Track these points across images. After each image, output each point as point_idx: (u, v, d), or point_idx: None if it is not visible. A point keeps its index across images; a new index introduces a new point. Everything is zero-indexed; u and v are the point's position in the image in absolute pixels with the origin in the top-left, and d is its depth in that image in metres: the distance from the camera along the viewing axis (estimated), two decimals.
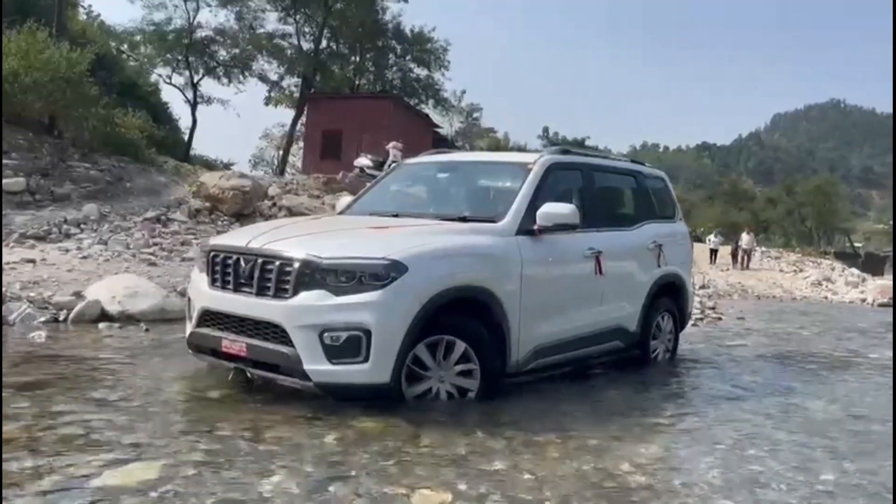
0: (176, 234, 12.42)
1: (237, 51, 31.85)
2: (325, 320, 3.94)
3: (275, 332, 4.06)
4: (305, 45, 33.57)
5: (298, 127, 33.73)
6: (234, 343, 4.21)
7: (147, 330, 6.84)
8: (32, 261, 9.05)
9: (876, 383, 6.44)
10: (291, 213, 14.29)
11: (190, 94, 31.50)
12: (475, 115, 54.64)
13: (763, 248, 35.62)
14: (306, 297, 3.98)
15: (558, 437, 3.84)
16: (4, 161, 12.56)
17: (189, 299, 4.82)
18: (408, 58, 36.00)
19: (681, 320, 6.84)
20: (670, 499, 3.11)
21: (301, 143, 34.10)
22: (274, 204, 14.84)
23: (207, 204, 14.03)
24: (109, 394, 4.26)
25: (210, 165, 28.91)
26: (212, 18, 35.81)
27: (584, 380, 5.57)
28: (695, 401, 5.37)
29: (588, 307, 5.47)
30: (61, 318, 7.06)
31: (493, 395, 4.45)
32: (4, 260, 8.83)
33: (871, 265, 42.78)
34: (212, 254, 4.52)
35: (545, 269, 4.94)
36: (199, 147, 35.86)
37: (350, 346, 3.92)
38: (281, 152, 41.58)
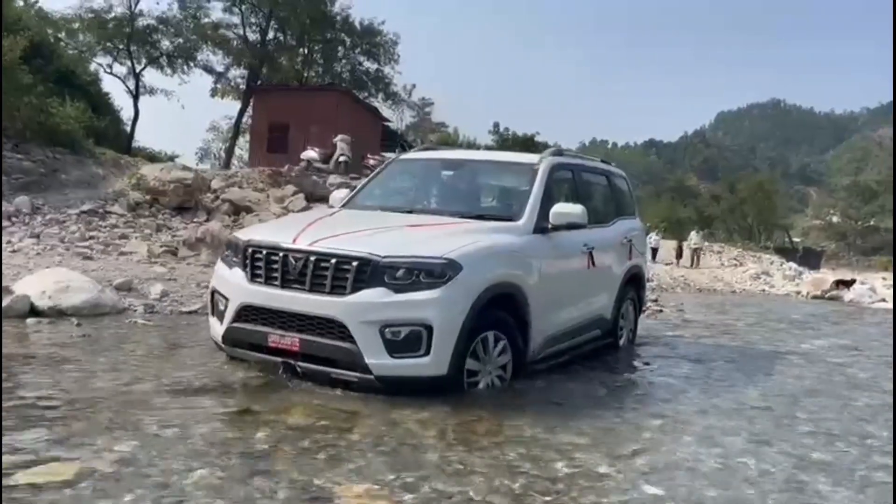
0: (114, 227, 12.09)
1: (181, 41, 30.99)
2: (386, 316, 4.09)
3: (332, 327, 4.16)
4: (252, 36, 32.94)
5: (245, 119, 33.12)
6: (284, 338, 4.28)
7: (79, 325, 6.63)
8: None
9: (799, 373, 6.69)
10: (235, 206, 14.05)
11: (132, 85, 30.62)
12: (426, 109, 54.55)
13: (706, 243, 36.32)
14: (366, 295, 4.12)
15: (491, 429, 3.87)
16: None
17: (218, 295, 4.78)
18: (357, 51, 35.61)
19: (640, 307, 7.50)
20: (594, 482, 3.17)
21: (248, 136, 33.53)
22: (217, 197, 14.55)
23: (148, 197, 13.68)
24: (30, 392, 4.11)
25: (153, 158, 28.13)
26: (154, 7, 34.66)
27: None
28: (629, 389, 5.49)
29: (582, 298, 5.89)
30: None
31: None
32: None
33: (809, 260, 44.34)
34: (250, 250, 4.54)
35: (556, 265, 5.29)
36: (143, 139, 34.79)
37: (411, 340, 4.10)
38: (226, 145, 40.85)
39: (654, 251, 27.96)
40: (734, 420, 4.53)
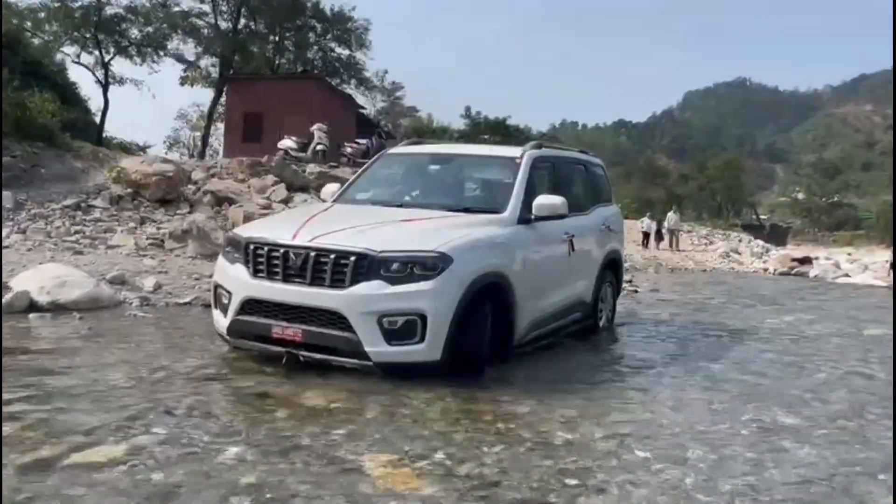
0: (99, 221, 12.17)
1: (150, 30, 30.64)
2: (383, 307, 4.39)
3: (332, 318, 4.45)
4: (223, 24, 32.68)
5: (218, 108, 32.95)
6: (287, 329, 4.55)
7: (81, 318, 6.84)
8: None
9: (768, 347, 7.16)
10: (217, 197, 14.17)
11: (100, 75, 30.27)
12: (397, 94, 54.49)
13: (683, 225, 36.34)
14: (364, 287, 4.41)
15: (492, 405, 4.22)
16: None
17: (221, 289, 5.01)
18: (328, 37, 35.53)
19: (618, 290, 7.90)
20: (589, 449, 3.54)
21: (220, 125, 33.37)
22: (199, 188, 14.64)
23: (129, 190, 13.74)
24: (60, 381, 4.38)
25: (125, 148, 27.95)
26: None
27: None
28: (612, 366, 5.88)
29: (564, 283, 6.20)
30: None
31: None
32: None
33: (776, 236, 45.49)
34: (252, 246, 4.79)
35: (538, 253, 5.61)
36: (111, 129, 34.42)
37: (407, 329, 4.42)
38: (197, 133, 40.51)
39: (647, 235, 27.17)
40: (710, 391, 4.94)
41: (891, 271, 18.70)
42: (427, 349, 4.45)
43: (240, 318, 4.81)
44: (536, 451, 3.43)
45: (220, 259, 5.27)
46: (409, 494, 2.81)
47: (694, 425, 4.04)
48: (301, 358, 4.63)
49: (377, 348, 4.40)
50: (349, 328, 4.41)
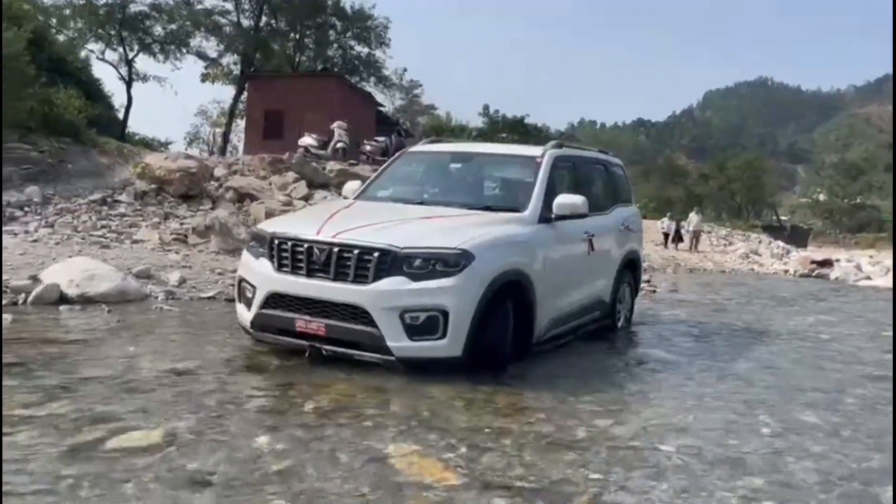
0: (124, 216, 12.38)
1: (174, 27, 31.01)
2: (406, 303, 4.46)
3: (355, 313, 4.53)
4: (245, 22, 32.96)
5: (239, 105, 33.24)
6: (311, 323, 4.64)
7: (109, 311, 7.00)
8: None
9: (789, 348, 7.17)
10: (239, 193, 14.36)
11: (124, 71, 30.66)
12: (415, 92, 54.59)
13: (705, 226, 35.82)
14: (387, 283, 4.47)
15: (513, 400, 4.30)
16: None
17: (245, 283, 5.10)
18: (348, 35, 35.71)
19: (636, 290, 7.89)
20: (611, 442, 3.61)
21: (241, 122, 33.66)
22: (220, 185, 14.84)
23: (153, 185, 13.95)
24: (95, 371, 4.52)
25: (147, 145, 28.30)
26: None
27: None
28: (632, 364, 5.93)
29: (583, 283, 6.23)
30: (20, 301, 7.15)
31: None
32: None
33: (797, 238, 44.99)
34: (276, 241, 4.87)
35: (558, 252, 5.63)
36: (133, 125, 34.87)
37: (429, 325, 4.48)
38: (217, 130, 40.82)
39: (667, 236, 26.90)
40: (731, 390, 4.98)
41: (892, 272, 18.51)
42: (448, 345, 4.51)
43: (263, 311, 4.89)
44: (558, 445, 3.50)
45: (245, 254, 5.34)
46: (434, 484, 2.89)
47: (714, 422, 4.09)
48: (324, 352, 4.70)
49: (399, 343, 4.46)
50: (372, 323, 4.47)
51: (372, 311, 4.47)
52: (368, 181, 6.71)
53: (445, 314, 4.47)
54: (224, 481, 2.82)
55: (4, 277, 7.64)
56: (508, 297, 4.87)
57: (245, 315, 5.10)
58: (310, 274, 4.69)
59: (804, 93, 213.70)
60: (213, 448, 3.20)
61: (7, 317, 6.34)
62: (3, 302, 6.99)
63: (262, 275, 4.92)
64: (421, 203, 5.73)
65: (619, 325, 7.24)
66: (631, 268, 7.42)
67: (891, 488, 3.17)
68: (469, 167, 6.51)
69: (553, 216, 5.52)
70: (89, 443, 3.17)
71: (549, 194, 5.62)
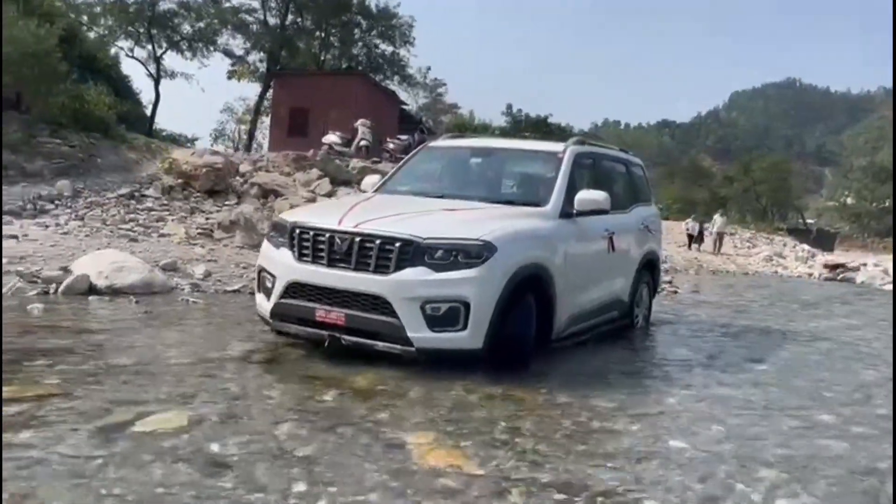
0: (151, 210, 12.61)
1: (202, 25, 31.44)
2: (427, 293, 4.43)
3: (376, 303, 4.50)
4: (271, 20, 33.33)
5: (264, 103, 33.59)
6: (330, 313, 4.61)
7: (137, 302, 7.16)
8: (15, 236, 9.25)
9: (813, 350, 7.13)
10: (264, 189, 14.54)
11: (152, 68, 31.10)
12: (439, 90, 54.68)
13: (730, 227, 35.31)
14: (408, 273, 4.44)
15: (530, 393, 4.35)
16: None
17: (265, 273, 5.08)
18: (373, 33, 35.92)
19: (653, 291, 7.83)
20: (625, 436, 3.65)
21: (266, 119, 33.99)
22: (246, 181, 15.04)
23: (180, 181, 14.18)
24: (124, 358, 4.66)
25: (174, 141, 28.71)
26: None
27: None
28: (651, 363, 5.96)
29: (602, 281, 6.19)
30: (51, 291, 7.34)
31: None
32: None
33: (823, 241, 44.40)
34: (297, 231, 4.86)
35: (579, 248, 5.59)
36: (159, 122, 35.34)
37: (450, 316, 4.45)
38: (242, 127, 41.30)
39: (691, 237, 26.57)
40: (748, 389, 4.98)
41: None
42: (469, 337, 4.48)
43: (283, 301, 4.86)
44: (574, 437, 3.55)
45: (265, 244, 5.31)
46: (451, 472, 2.96)
47: (730, 420, 4.11)
48: (343, 341, 4.68)
49: (420, 334, 4.43)
50: (392, 313, 4.45)
51: (393, 301, 4.45)
52: (388, 175, 6.71)
53: (467, 305, 4.44)
54: (247, 463, 2.91)
55: (35, 268, 7.85)
56: (530, 291, 4.84)
57: (265, 305, 5.08)
58: (330, 263, 4.67)
59: (833, 94, 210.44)
60: (237, 432, 3.29)
61: (39, 305, 6.53)
62: (34, 292, 7.19)
63: (283, 264, 4.91)
64: (441, 197, 5.67)
65: (637, 325, 7.20)
66: (650, 268, 7.36)
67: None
68: (489, 162, 6.48)
69: (574, 212, 5.49)
70: (118, 424, 3.28)
71: (571, 190, 5.59)
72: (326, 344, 4.75)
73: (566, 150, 5.94)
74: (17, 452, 2.87)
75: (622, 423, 3.90)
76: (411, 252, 4.47)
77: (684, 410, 4.30)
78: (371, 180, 6.58)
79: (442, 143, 7.08)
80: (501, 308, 4.55)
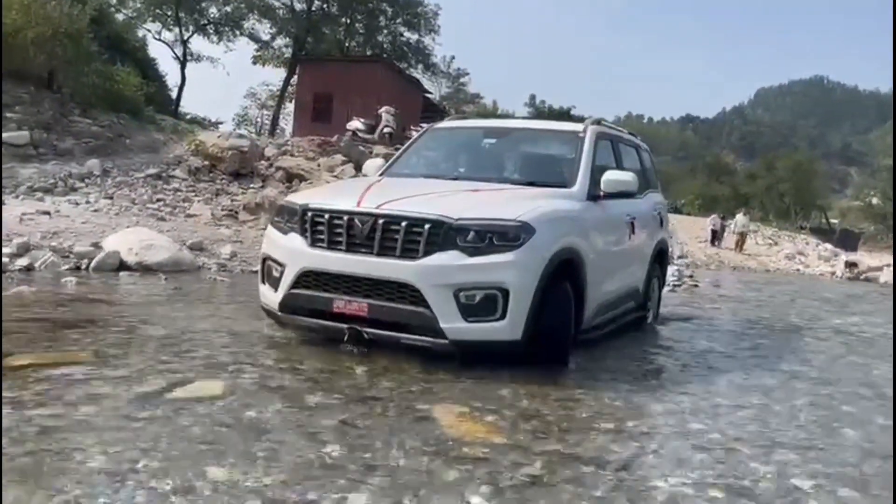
0: (178, 191, 12.81)
1: (228, 9, 31.69)
2: (460, 280, 4.05)
3: (402, 291, 4.12)
4: (298, 6, 33.49)
5: (288, 88, 33.81)
6: (350, 304, 4.22)
7: (166, 279, 7.34)
8: (48, 213, 9.47)
9: (835, 343, 7.14)
10: (288, 173, 14.70)
11: (179, 51, 31.43)
12: (462, 80, 54.66)
13: (752, 226, 34.74)
14: (439, 258, 4.07)
15: (552, 376, 4.42)
16: (8, 114, 12.81)
17: (271, 262, 4.64)
18: (398, 21, 35.99)
19: (661, 285, 7.42)
20: (647, 418, 3.73)
21: (289, 105, 34.21)
22: (271, 164, 15.21)
23: (206, 163, 14.38)
24: (158, 330, 4.81)
25: (199, 124, 29.00)
26: None
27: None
28: (672, 354, 6.00)
29: (624, 268, 5.87)
30: (83, 266, 7.54)
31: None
32: (21, 211, 9.24)
33: (846, 241, 43.89)
34: (310, 214, 4.42)
35: (605, 232, 5.28)
36: (184, 105, 35.68)
37: (486, 304, 4.08)
38: (265, 112, 41.57)
39: (714, 233, 26.20)
40: (768, 378, 5.02)
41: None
42: (508, 327, 4.12)
43: (294, 291, 4.41)
44: (597, 416, 3.62)
45: (271, 230, 4.83)
46: (479, 442, 3.05)
47: (751, 406, 4.16)
48: (365, 335, 4.29)
49: (453, 324, 4.05)
50: (422, 302, 4.06)
51: (422, 288, 4.05)
52: (394, 157, 6.26)
53: (505, 293, 4.08)
54: (282, 430, 3.02)
55: (68, 244, 8.05)
56: (565, 277, 4.49)
57: (271, 297, 4.59)
58: (349, 249, 4.25)
59: (861, 93, 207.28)
60: (269, 401, 3.40)
61: (72, 279, 6.72)
62: (67, 267, 7.38)
63: (293, 251, 4.44)
64: (456, 179, 5.26)
65: (649, 319, 6.87)
66: (660, 260, 6.99)
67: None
68: (505, 142, 6.05)
69: (602, 193, 5.17)
70: (156, 392, 3.40)
71: (595, 170, 5.26)
72: (345, 338, 4.36)
73: (587, 130, 5.59)
74: (60, 410, 3.00)
75: (644, 405, 3.98)
76: (442, 234, 4.09)
77: (705, 397, 4.35)
78: (375, 163, 6.37)
79: (449, 124, 6.76)
80: (541, 296, 4.21)
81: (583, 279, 4.73)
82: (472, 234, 4.10)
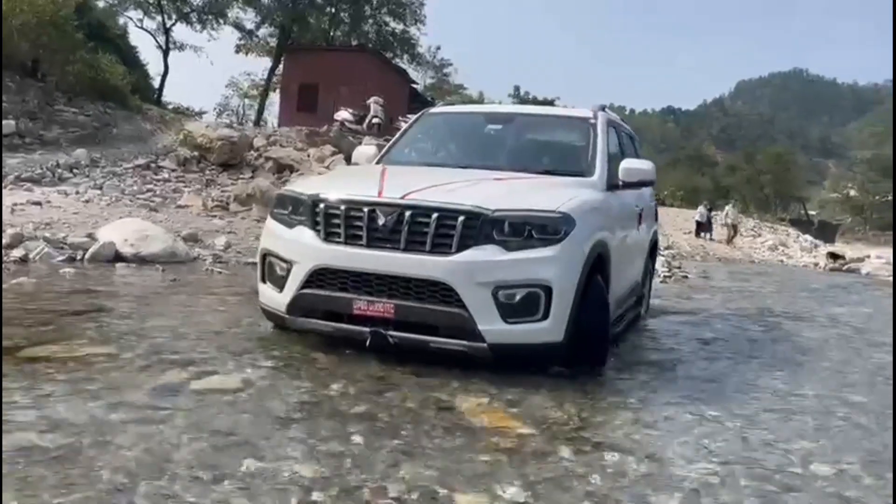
0: (167, 181, 12.71)
1: None
2: (500, 277, 3.73)
3: (434, 290, 3.78)
4: None
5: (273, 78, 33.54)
6: (374, 305, 3.85)
7: (163, 270, 7.28)
8: (39, 203, 9.35)
9: (830, 333, 7.26)
10: (278, 164, 14.61)
11: (162, 40, 31.04)
12: (445, 70, 54.49)
13: (741, 217, 34.90)
14: (476, 253, 3.73)
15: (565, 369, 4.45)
16: None
17: (274, 259, 4.24)
18: (383, 10, 35.79)
19: (652, 275, 7.43)
20: (662, 405, 3.78)
21: (273, 95, 33.95)
22: (260, 155, 15.11)
23: (195, 153, 14.26)
24: (165, 321, 4.78)
25: (183, 113, 28.70)
26: None
27: None
28: (677, 346, 6.07)
29: (633, 260, 5.69)
30: (78, 257, 7.46)
31: None
32: (11, 201, 9.11)
33: (824, 233, 44.57)
34: (322, 206, 4.03)
35: (623, 224, 5.07)
36: (166, 94, 35.28)
37: (527, 304, 3.77)
38: (247, 101, 41.21)
39: (700, 225, 26.04)
40: (772, 368, 5.10)
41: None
42: (550, 328, 3.81)
43: (306, 292, 4.02)
44: (616, 406, 3.67)
45: (272, 222, 4.37)
46: (503, 431, 3.08)
47: (760, 393, 4.23)
48: (391, 339, 3.90)
49: (492, 326, 3.72)
50: (457, 302, 3.71)
51: (458, 287, 3.70)
52: (389, 144, 5.78)
53: (548, 291, 3.76)
54: (307, 419, 3.03)
55: (61, 234, 7.96)
56: (597, 272, 4.20)
57: (276, 298, 4.18)
58: (371, 244, 3.86)
59: (840, 86, 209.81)
60: (290, 392, 3.40)
61: (69, 270, 6.65)
62: (62, 258, 7.30)
63: (304, 247, 4.03)
64: (466, 167, 4.87)
65: (643, 313, 6.73)
66: (652, 254, 6.86)
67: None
68: (510, 129, 5.63)
69: (621, 183, 4.85)
70: (176, 383, 3.38)
71: (610, 158, 5.00)
72: (368, 343, 3.96)
73: (597, 116, 5.28)
74: (82, 404, 2.98)
75: (660, 392, 4.04)
76: (478, 227, 3.75)
77: (713, 380, 4.42)
78: (366, 151, 5.68)
79: (444, 109, 6.52)
80: (582, 293, 3.93)
81: (608, 274, 4.45)
82: (510, 226, 3.80)
